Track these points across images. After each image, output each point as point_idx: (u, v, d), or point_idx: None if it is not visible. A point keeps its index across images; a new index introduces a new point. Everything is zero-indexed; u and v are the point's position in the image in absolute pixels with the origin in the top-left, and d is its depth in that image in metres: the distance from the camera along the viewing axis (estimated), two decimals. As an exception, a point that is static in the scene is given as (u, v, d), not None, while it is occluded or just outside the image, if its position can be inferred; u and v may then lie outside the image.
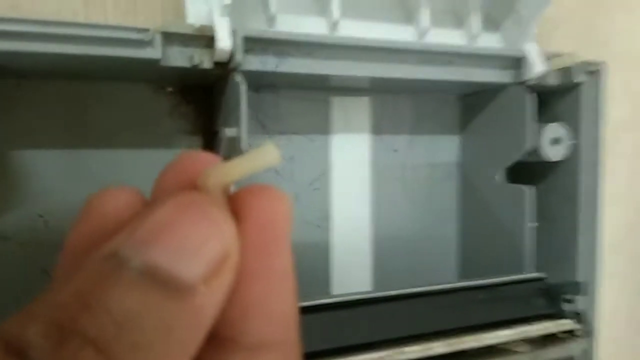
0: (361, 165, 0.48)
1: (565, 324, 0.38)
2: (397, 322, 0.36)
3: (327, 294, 0.38)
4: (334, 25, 0.41)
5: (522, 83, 0.45)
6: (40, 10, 0.40)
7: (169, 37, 0.33)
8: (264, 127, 0.45)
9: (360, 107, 0.48)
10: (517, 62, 0.45)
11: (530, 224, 0.44)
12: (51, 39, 0.30)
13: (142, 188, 0.41)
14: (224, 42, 0.34)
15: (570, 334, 0.38)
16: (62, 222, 0.39)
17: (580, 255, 0.45)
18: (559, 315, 0.39)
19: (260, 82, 0.42)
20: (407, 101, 0.50)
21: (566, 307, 0.40)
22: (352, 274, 0.48)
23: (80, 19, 0.41)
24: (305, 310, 0.34)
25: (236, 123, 0.35)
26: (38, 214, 0.39)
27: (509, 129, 0.46)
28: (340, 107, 0.47)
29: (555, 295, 0.40)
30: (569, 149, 0.46)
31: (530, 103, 0.44)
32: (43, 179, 0.39)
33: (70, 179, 0.39)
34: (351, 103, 0.48)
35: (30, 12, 0.40)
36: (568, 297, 0.40)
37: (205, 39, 0.34)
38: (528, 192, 0.44)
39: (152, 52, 0.32)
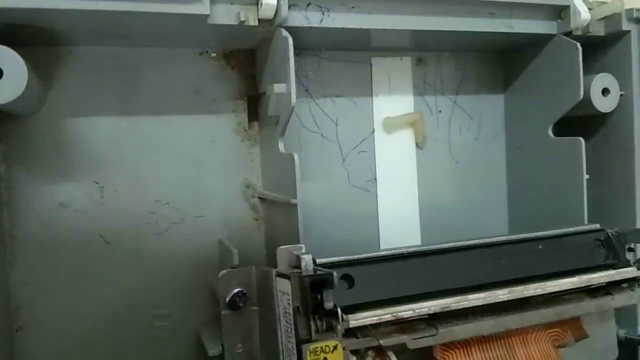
0: (406, 127, 0.48)
1: (629, 272, 0.37)
2: (459, 273, 0.36)
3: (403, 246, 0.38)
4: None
5: (567, 34, 0.44)
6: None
7: (216, -6, 0.34)
8: (307, 90, 0.45)
9: (402, 68, 0.48)
10: (561, 11, 0.44)
11: (584, 177, 0.43)
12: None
13: (193, 153, 0.42)
14: (270, -5, 0.34)
15: (634, 281, 0.37)
16: (117, 188, 0.40)
17: (638, 207, 0.44)
18: (621, 264, 0.38)
19: (302, 44, 0.42)
20: (449, 61, 0.49)
21: (629, 256, 0.38)
22: (400, 235, 0.47)
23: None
24: (373, 262, 0.34)
25: (285, 79, 0.35)
26: (94, 180, 0.40)
27: (557, 82, 0.45)
28: (382, 69, 0.47)
29: (616, 245, 0.39)
30: (619, 100, 0.45)
31: (578, 51, 0.42)
32: (97, 146, 0.39)
33: (123, 146, 0.40)
34: (393, 64, 0.47)
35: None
36: (631, 245, 0.39)
37: (250, -5, 0.35)
38: (582, 143, 0.43)
39: (201, 8, 0.33)
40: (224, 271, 0.34)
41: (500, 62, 0.51)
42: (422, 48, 0.48)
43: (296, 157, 0.35)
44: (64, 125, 0.39)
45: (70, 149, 0.39)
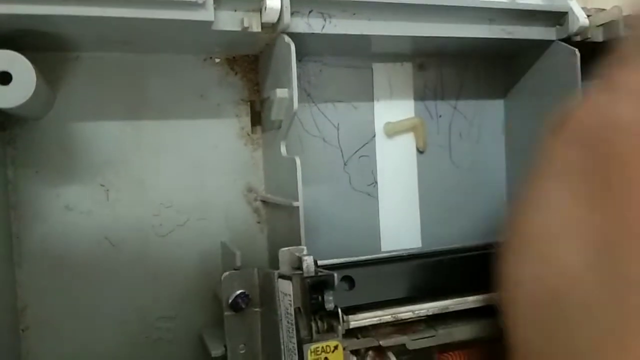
0: (407, 132, 0.49)
1: None
2: (459, 274, 0.36)
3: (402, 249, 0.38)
4: (376, -12, 0.41)
5: (566, 40, 0.44)
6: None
7: (220, 1, 0.34)
8: (308, 95, 0.46)
9: (403, 74, 0.48)
10: (560, 17, 0.44)
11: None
12: (106, 2, 0.31)
13: (196, 157, 0.43)
14: (273, 1, 0.35)
15: None
16: (122, 191, 0.41)
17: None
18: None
19: (304, 50, 0.43)
20: (449, 66, 0.50)
21: None
22: (401, 240, 0.48)
23: None
24: (373, 264, 0.34)
25: (287, 84, 0.36)
26: (100, 183, 0.40)
27: (556, 87, 0.45)
28: (383, 74, 0.48)
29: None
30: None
31: (577, 58, 0.43)
32: (103, 150, 0.40)
33: (128, 150, 0.41)
34: (394, 69, 0.48)
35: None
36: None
37: (254, 1, 0.35)
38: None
39: (205, 15, 0.33)
40: (227, 273, 0.35)
41: (501, 67, 0.52)
42: (423, 54, 0.48)
43: (298, 160, 0.35)
44: (71, 130, 0.39)
45: (77, 153, 0.40)
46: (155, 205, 0.42)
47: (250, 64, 0.44)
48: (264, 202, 0.44)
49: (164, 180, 0.42)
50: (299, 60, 0.45)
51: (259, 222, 0.44)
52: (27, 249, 0.38)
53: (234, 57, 0.43)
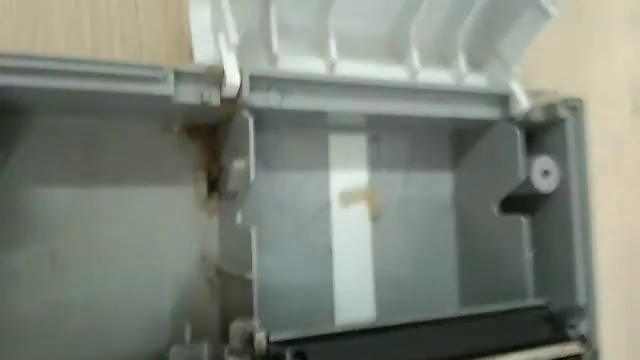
0: (361, 201, 0.50)
1: (572, 348, 0.38)
2: (404, 350, 0.36)
3: (341, 323, 0.38)
4: (331, 66, 0.44)
5: (509, 119, 0.47)
6: (50, 48, 0.42)
7: (181, 76, 0.35)
8: (266, 164, 0.46)
9: (358, 145, 0.50)
10: (503, 99, 0.47)
11: (528, 253, 0.45)
12: (68, 75, 0.32)
13: (150, 224, 0.42)
14: (233, 77, 0.36)
15: (576, 358, 0.39)
16: (70, 258, 0.40)
17: (578, 281, 0.46)
18: (564, 339, 0.40)
19: (263, 122, 0.44)
20: (401, 139, 0.52)
21: (571, 332, 0.40)
22: (355, 307, 0.48)
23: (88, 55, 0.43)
24: (327, 338, 0.34)
25: (245, 155, 0.37)
26: (46, 250, 0.39)
27: (500, 163, 0.48)
28: (339, 145, 0.49)
29: (559, 321, 0.41)
30: (559, 181, 0.48)
31: (518, 137, 0.46)
32: (53, 216, 0.39)
33: (79, 217, 0.40)
34: (349, 140, 0.50)
35: (42, 51, 0.42)
36: (572, 323, 0.41)
37: (214, 77, 0.37)
38: (525, 222, 0.46)
39: (165, 89, 0.34)
40: (175, 347, 0.34)
41: (450, 141, 0.55)
42: (376, 126, 0.50)
43: (253, 231, 0.36)
44: (20, 193, 0.38)
45: (24, 217, 0.38)
46: (104, 272, 0.40)
47: (208, 133, 0.44)
48: (217, 271, 0.43)
49: (115, 247, 0.41)
50: (258, 129, 0.46)
51: (211, 292, 0.44)
52: (-38, 319, 0.36)
53: (192, 126, 0.44)
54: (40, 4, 0.42)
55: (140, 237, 0.42)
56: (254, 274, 0.35)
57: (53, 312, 0.39)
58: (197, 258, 0.43)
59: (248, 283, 0.35)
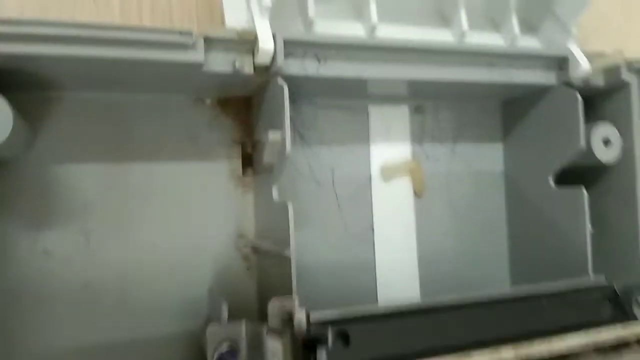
0: (403, 176, 0.47)
1: (637, 329, 0.35)
2: (453, 332, 0.34)
3: (384, 303, 0.36)
4: (371, 29, 0.41)
5: (567, 84, 0.43)
6: (79, 15, 0.41)
7: (211, 42, 0.33)
8: (302, 137, 0.44)
9: (400, 116, 0.47)
10: (560, 62, 0.43)
11: (589, 228, 0.41)
12: (93, 42, 0.30)
13: (184, 201, 0.41)
14: (266, 43, 0.34)
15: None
16: (104, 236, 0.39)
17: (642, 260, 0.43)
18: (629, 319, 0.36)
19: (298, 92, 0.41)
20: (447, 109, 0.49)
21: (636, 311, 0.37)
22: (399, 286, 0.46)
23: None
24: (370, 318, 0.32)
25: (280, 127, 0.35)
26: (80, 228, 0.38)
27: (557, 132, 0.44)
28: (380, 116, 0.46)
29: (623, 299, 0.37)
30: (621, 151, 0.44)
31: (579, 103, 0.42)
32: (85, 193, 0.38)
33: (111, 193, 0.39)
34: (390, 111, 0.47)
35: (69, 18, 0.41)
36: (637, 301, 0.37)
37: (246, 43, 0.34)
38: (585, 195, 0.42)
39: (195, 56, 0.32)
40: (212, 326, 0.32)
41: (500, 111, 0.51)
42: (420, 96, 0.47)
43: (290, 207, 0.34)
44: (51, 171, 0.38)
45: (56, 196, 0.38)
46: (138, 251, 0.39)
47: (242, 105, 0.42)
48: (254, 248, 0.42)
49: (149, 225, 0.40)
50: (292, 101, 0.43)
51: (248, 269, 0.42)
52: (1, 296, 0.36)
53: (225, 98, 0.42)
54: (68, -26, 0.41)
55: (174, 214, 0.40)
56: (292, 252, 0.33)
57: (87, 291, 0.38)
58: (233, 235, 0.42)
59: (286, 261, 0.33)
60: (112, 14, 0.41)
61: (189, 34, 0.32)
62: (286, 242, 0.34)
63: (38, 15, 0.39)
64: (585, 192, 0.42)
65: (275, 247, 0.35)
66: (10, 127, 0.29)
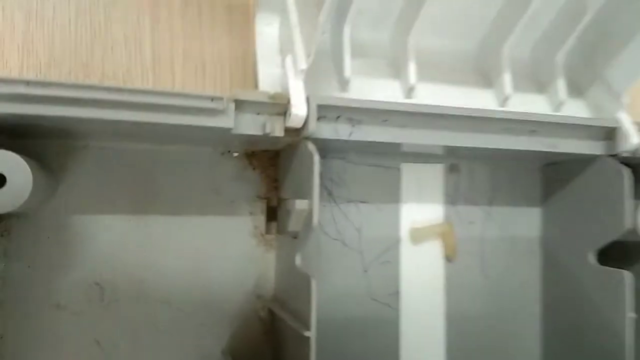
0: (434, 238, 0.45)
1: None
2: None
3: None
4: (409, 91, 0.39)
5: (614, 155, 0.41)
6: (110, 69, 0.40)
7: (242, 105, 0.32)
8: (330, 194, 0.42)
9: (433, 175, 0.45)
10: (609, 133, 0.41)
11: (630, 315, 0.39)
12: (124, 106, 0.29)
13: (203, 255, 0.39)
14: (300, 109, 0.32)
15: None
16: (118, 290, 0.37)
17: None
18: None
19: (328, 148, 0.40)
20: (484, 169, 0.46)
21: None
22: (424, 357, 0.43)
23: (149, 77, 0.41)
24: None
25: (308, 195, 0.33)
26: (95, 281, 0.37)
27: (601, 206, 0.41)
28: (412, 175, 0.44)
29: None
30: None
31: (626, 177, 0.39)
32: (102, 245, 0.37)
33: (130, 246, 0.38)
34: (423, 170, 0.45)
35: (100, 70, 0.40)
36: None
37: (278, 106, 0.33)
38: (628, 277, 0.39)
39: (225, 121, 0.31)
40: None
41: (540, 172, 0.48)
42: (455, 155, 0.45)
43: (314, 282, 0.32)
44: (70, 222, 0.37)
45: (74, 247, 0.37)
46: (153, 306, 0.38)
47: (270, 159, 0.41)
48: (271, 311, 0.40)
49: (166, 279, 0.38)
50: (322, 156, 0.42)
51: (265, 334, 0.40)
52: (11, 349, 0.35)
53: (253, 152, 0.40)
54: (98, 17, 0.40)
55: (192, 269, 0.39)
56: (313, 334, 0.31)
57: (97, 346, 0.37)
58: (252, 295, 0.40)
59: (305, 340, 0.32)
60: (144, 61, 0.40)
61: (220, 99, 0.30)
62: (307, 319, 0.32)
63: (68, 60, 0.38)
64: (628, 275, 0.39)
65: (295, 322, 0.34)
66: (30, 190, 0.28)
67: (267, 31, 0.38)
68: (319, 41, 0.35)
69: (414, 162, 0.44)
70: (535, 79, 0.44)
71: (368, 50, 0.41)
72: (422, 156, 0.44)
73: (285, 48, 0.36)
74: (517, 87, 0.42)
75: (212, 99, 0.30)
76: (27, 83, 0.27)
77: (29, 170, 0.28)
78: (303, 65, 0.33)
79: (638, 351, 0.39)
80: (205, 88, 0.42)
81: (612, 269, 0.40)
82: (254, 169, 0.41)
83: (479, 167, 0.46)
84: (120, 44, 0.41)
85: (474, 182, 0.46)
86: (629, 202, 0.39)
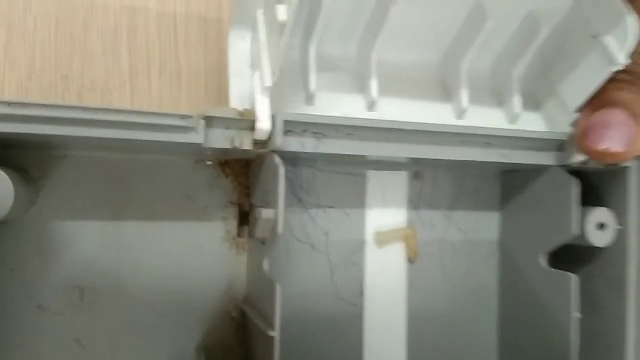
0: (397, 242, 0.48)
1: None
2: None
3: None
4: (371, 105, 0.41)
5: (565, 166, 0.44)
6: (90, 80, 0.42)
7: (212, 122, 0.34)
8: (300, 200, 0.45)
9: (398, 182, 0.48)
10: (560, 145, 0.43)
11: (575, 314, 0.42)
12: (100, 124, 0.31)
13: (178, 259, 0.42)
14: (265, 124, 0.34)
15: None
16: (98, 292, 0.40)
17: (628, 346, 0.43)
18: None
19: (298, 157, 0.42)
20: (446, 176, 0.49)
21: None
22: (386, 355, 0.46)
23: (127, 89, 0.43)
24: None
25: (273, 205, 0.35)
26: (75, 284, 0.39)
27: (552, 212, 0.44)
28: (377, 182, 0.47)
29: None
30: (616, 235, 0.44)
31: (574, 187, 0.42)
32: (81, 249, 0.39)
33: (108, 250, 0.40)
34: (389, 177, 0.47)
35: (80, 82, 0.42)
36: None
37: (246, 122, 0.35)
38: (574, 280, 0.42)
39: (195, 137, 0.33)
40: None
41: (499, 180, 0.51)
42: (419, 164, 0.48)
43: (279, 288, 0.34)
44: (51, 228, 0.39)
45: (55, 252, 0.39)
46: (131, 307, 0.40)
47: (242, 167, 0.43)
48: (242, 313, 0.42)
49: (143, 282, 0.41)
50: (292, 165, 0.44)
51: (237, 332, 0.43)
52: (-7, 348, 0.37)
53: (226, 161, 0.43)
54: (77, 29, 0.42)
55: (167, 272, 0.41)
56: (277, 334, 0.34)
57: (77, 345, 0.39)
58: (225, 296, 0.43)
59: (270, 340, 0.34)
60: (122, 72, 0.42)
61: (190, 117, 0.32)
62: (272, 320, 0.34)
63: (49, 70, 0.40)
64: (575, 278, 0.42)
65: (262, 322, 0.36)
66: (12, 203, 0.30)
67: (239, 46, 0.40)
68: (286, 58, 0.37)
69: (379, 170, 0.47)
70: (494, 93, 0.47)
71: (336, 64, 0.43)
72: (388, 164, 0.47)
73: (255, 63, 0.39)
74: (477, 100, 0.44)
75: (183, 117, 0.32)
76: (9, 104, 0.29)
77: (11, 183, 0.30)
78: (269, 82, 0.35)
79: (583, 349, 0.42)
80: (181, 98, 0.45)
81: (560, 271, 0.43)
82: (227, 176, 0.43)
83: (441, 174, 0.49)
84: (99, 55, 0.43)
85: (436, 189, 0.49)
86: (576, 209, 0.42)
